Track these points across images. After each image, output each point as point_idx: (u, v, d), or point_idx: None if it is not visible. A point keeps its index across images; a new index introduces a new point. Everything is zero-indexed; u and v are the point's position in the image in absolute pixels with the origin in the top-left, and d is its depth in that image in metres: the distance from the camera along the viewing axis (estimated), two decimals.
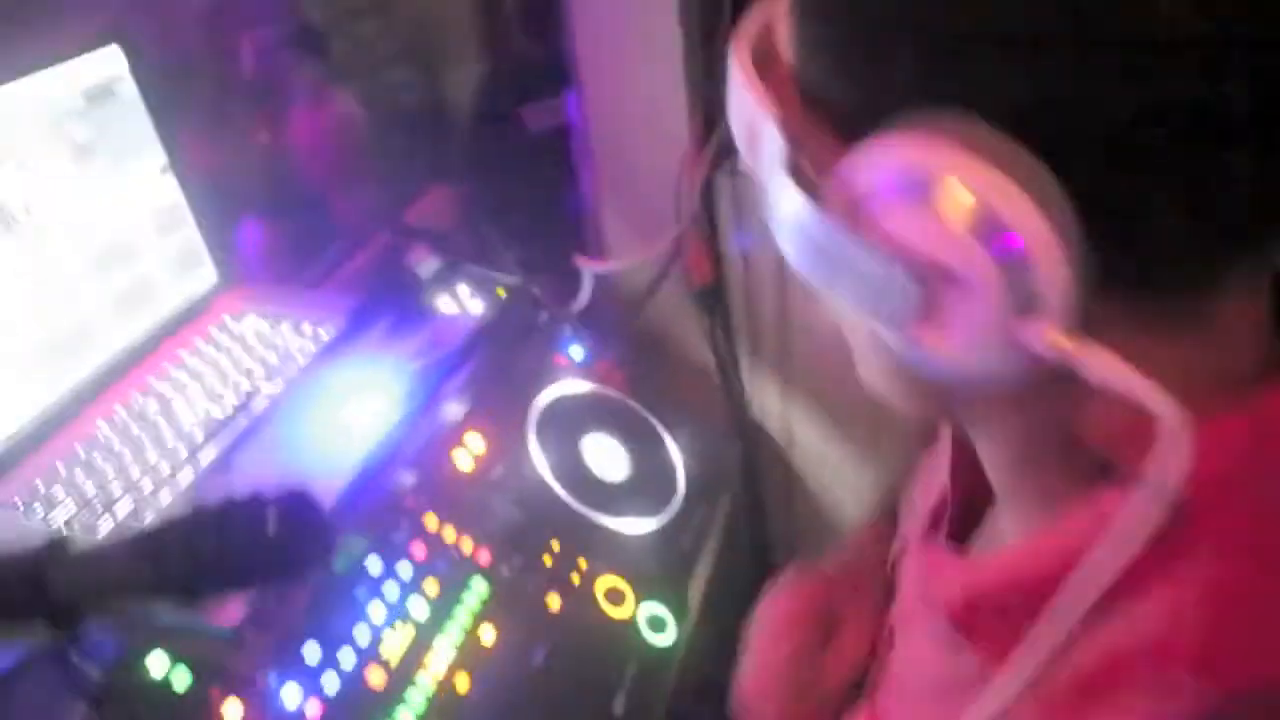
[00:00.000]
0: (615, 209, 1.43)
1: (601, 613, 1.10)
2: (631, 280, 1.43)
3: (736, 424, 1.43)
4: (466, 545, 1.04)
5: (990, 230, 0.37)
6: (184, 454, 0.95)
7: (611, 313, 1.47)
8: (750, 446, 1.45)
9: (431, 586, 0.98)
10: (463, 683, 0.95)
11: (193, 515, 0.50)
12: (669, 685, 1.10)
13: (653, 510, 1.22)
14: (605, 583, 1.12)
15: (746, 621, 0.97)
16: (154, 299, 1.11)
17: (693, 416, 1.34)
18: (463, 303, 1.27)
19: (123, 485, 0.91)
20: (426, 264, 1.27)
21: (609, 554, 1.14)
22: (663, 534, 1.21)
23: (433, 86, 1.94)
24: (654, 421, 1.30)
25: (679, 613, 1.15)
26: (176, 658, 0.80)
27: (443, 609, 0.97)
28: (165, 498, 0.90)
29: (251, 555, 0.50)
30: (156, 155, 1.12)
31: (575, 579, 1.10)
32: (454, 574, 1.00)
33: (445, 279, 1.28)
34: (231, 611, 0.81)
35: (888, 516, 0.98)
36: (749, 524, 1.46)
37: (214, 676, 0.81)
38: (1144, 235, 0.39)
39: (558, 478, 1.16)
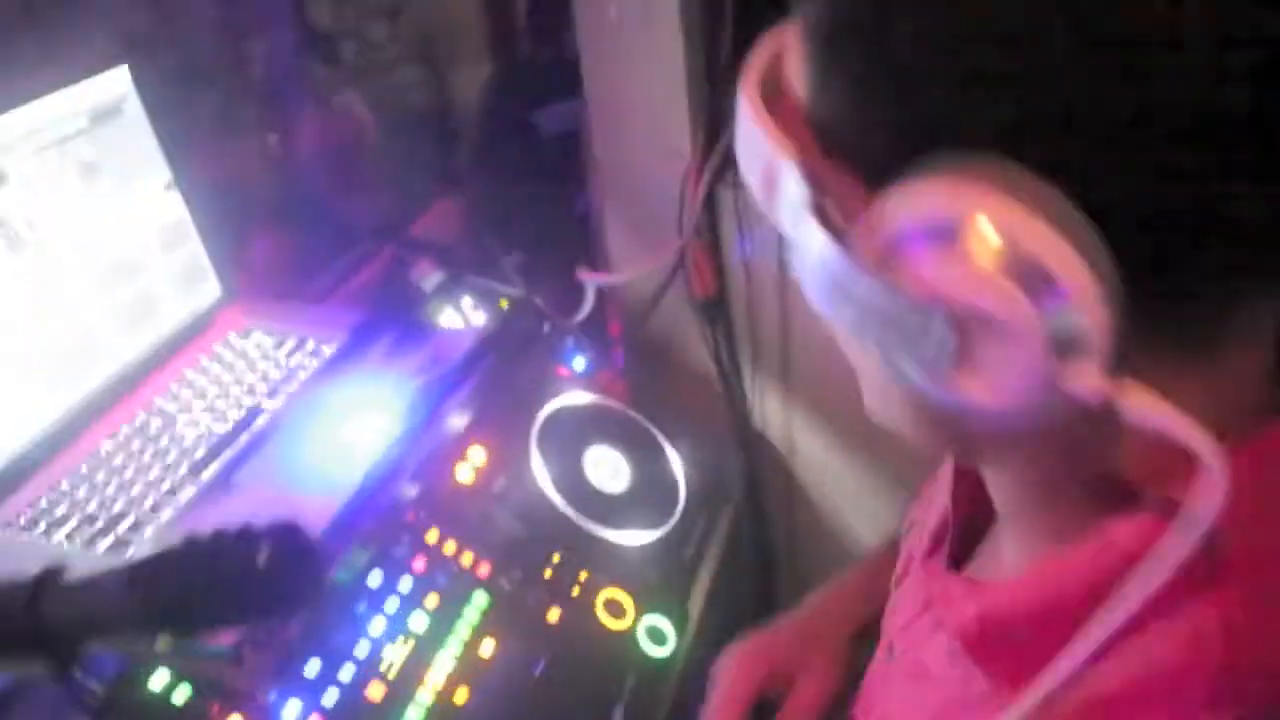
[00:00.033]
0: (619, 221, 1.44)
1: (601, 625, 1.10)
2: (635, 291, 1.44)
3: (739, 434, 1.44)
4: (467, 558, 1.04)
5: (1030, 275, 0.37)
6: (186, 470, 0.97)
7: (614, 324, 1.48)
8: (752, 456, 1.45)
9: (432, 600, 0.99)
10: (461, 695, 0.95)
11: (184, 548, 0.51)
12: (668, 697, 1.10)
13: (654, 522, 1.22)
14: (605, 595, 1.12)
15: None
16: (159, 315, 1.13)
17: (695, 427, 1.35)
18: (466, 315, 1.28)
19: (125, 502, 0.93)
20: (430, 278, 1.28)
21: (609, 566, 1.15)
22: (663, 545, 1.21)
23: (442, 90, 1.94)
24: (656, 433, 1.30)
25: (679, 624, 1.15)
26: (178, 674, 0.81)
27: (443, 622, 0.98)
28: (167, 515, 0.91)
29: (242, 590, 0.51)
30: (161, 172, 1.13)
31: (575, 591, 1.10)
32: (454, 587, 1.01)
33: (448, 292, 1.29)
34: None
35: (869, 563, 0.99)
36: (751, 534, 1.46)
37: (214, 692, 0.82)
38: (1167, 268, 0.39)
39: (559, 490, 1.16)
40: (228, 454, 0.99)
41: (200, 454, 0.99)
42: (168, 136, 1.13)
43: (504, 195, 1.70)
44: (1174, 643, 0.43)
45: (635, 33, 1.25)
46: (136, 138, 1.10)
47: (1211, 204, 0.37)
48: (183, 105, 1.36)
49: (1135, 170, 0.37)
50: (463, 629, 0.99)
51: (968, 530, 0.67)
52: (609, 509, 1.19)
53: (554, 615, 1.07)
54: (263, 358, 1.13)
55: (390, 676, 0.92)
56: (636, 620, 1.13)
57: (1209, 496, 0.38)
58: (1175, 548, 0.40)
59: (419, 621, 0.97)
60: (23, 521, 0.90)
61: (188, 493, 0.94)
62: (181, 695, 0.81)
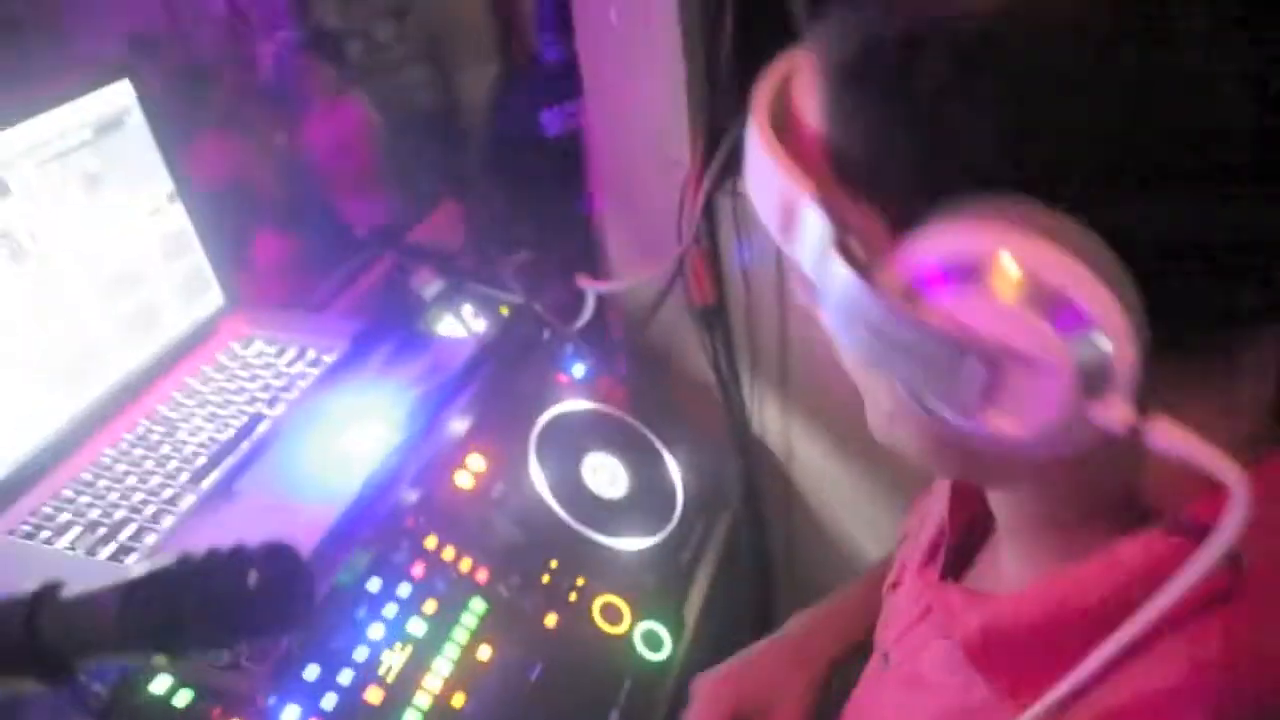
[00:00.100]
0: (618, 227, 1.45)
1: (597, 630, 1.11)
2: (634, 298, 1.45)
3: (737, 440, 1.44)
4: (465, 564, 1.06)
5: (1062, 311, 0.38)
6: (187, 478, 0.98)
7: (614, 330, 1.49)
8: (751, 463, 1.46)
9: (430, 605, 1.00)
10: (459, 700, 0.97)
11: (176, 567, 0.52)
12: (664, 702, 1.11)
13: (651, 528, 1.23)
14: (602, 600, 1.13)
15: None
16: (161, 324, 1.14)
17: (693, 433, 1.35)
18: (466, 322, 1.29)
19: (127, 510, 0.94)
20: (430, 286, 1.29)
21: (607, 572, 1.16)
22: (660, 551, 1.22)
23: (449, 90, 1.95)
24: (654, 439, 1.31)
25: (675, 630, 1.16)
26: (179, 678, 0.83)
27: (441, 628, 0.99)
28: (168, 522, 0.93)
29: (232, 611, 0.51)
30: (164, 183, 1.14)
31: (572, 597, 1.11)
32: (453, 593, 1.02)
33: (449, 299, 1.30)
34: None
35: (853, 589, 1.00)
36: (749, 540, 1.47)
37: (215, 696, 0.84)
38: (1187, 301, 0.40)
39: (557, 496, 1.17)
40: (229, 462, 1.00)
41: (201, 462, 1.00)
42: (170, 148, 1.14)
43: (510, 194, 1.71)
44: (1180, 659, 0.44)
45: (635, 40, 1.26)
46: (139, 149, 1.12)
47: (1235, 238, 0.39)
48: (189, 106, 1.38)
49: (1161, 206, 0.38)
50: (460, 634, 1.00)
51: (963, 542, 0.68)
52: (607, 515, 1.20)
53: (551, 620, 1.08)
54: (264, 366, 1.15)
55: (389, 681, 0.93)
56: (633, 626, 1.14)
57: (1232, 519, 0.39)
58: (1199, 566, 0.41)
59: (417, 627, 0.98)
60: (26, 529, 0.92)
61: (189, 500, 0.95)
62: (183, 699, 0.83)
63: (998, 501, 0.57)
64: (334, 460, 0.99)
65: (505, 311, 1.35)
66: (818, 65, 0.45)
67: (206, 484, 0.98)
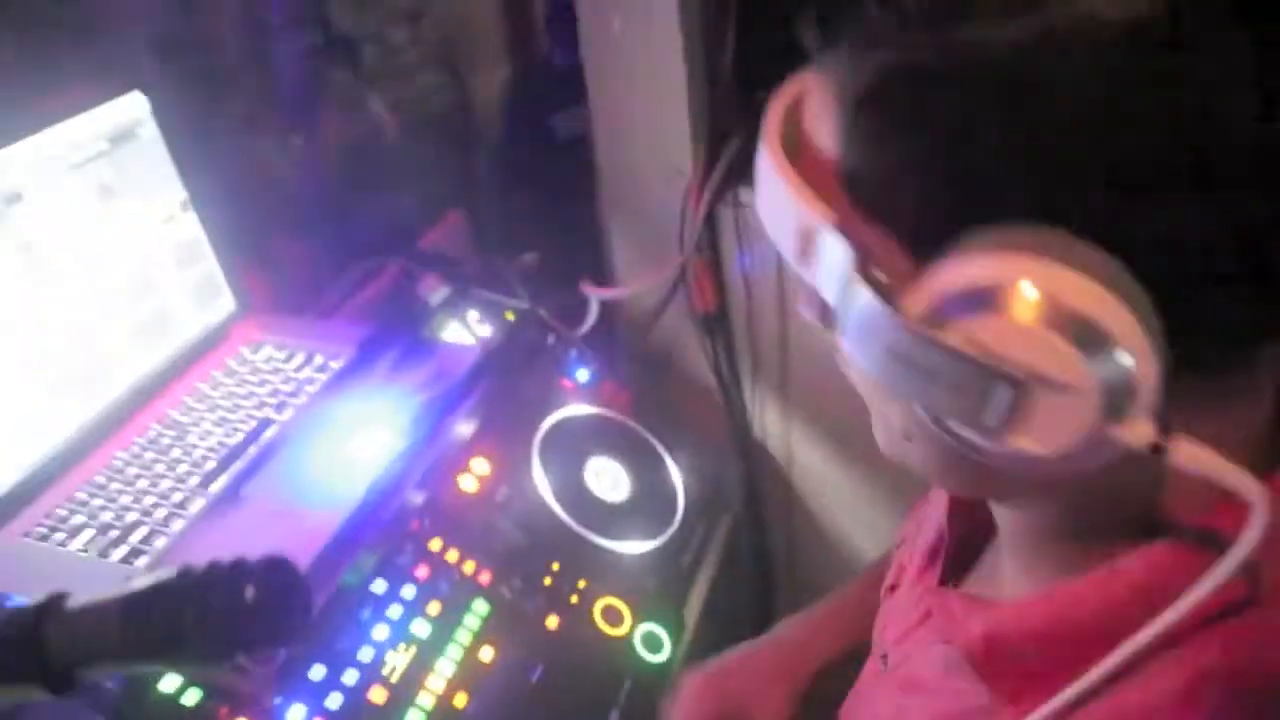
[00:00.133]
0: (622, 235, 1.47)
1: (598, 632, 1.13)
2: (638, 304, 1.46)
3: (738, 444, 1.46)
4: (469, 567, 1.07)
5: (1088, 335, 0.39)
6: (197, 482, 1.00)
7: (618, 336, 1.51)
8: (752, 467, 1.48)
9: (434, 607, 1.02)
10: (461, 700, 0.99)
11: (177, 581, 0.53)
12: (663, 702, 1.13)
13: (653, 531, 1.25)
14: (603, 603, 1.15)
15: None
16: (174, 329, 1.16)
17: (695, 438, 1.37)
18: (471, 328, 1.31)
19: (139, 513, 0.96)
20: (436, 292, 1.31)
21: (608, 574, 1.18)
22: (661, 554, 1.24)
23: (462, 93, 1.97)
24: (656, 444, 1.33)
25: (674, 632, 1.18)
26: (188, 677, 0.85)
27: (444, 629, 1.01)
28: (178, 526, 0.95)
29: (229, 625, 0.53)
30: (177, 192, 1.16)
31: (574, 599, 1.13)
32: (456, 595, 1.04)
33: (454, 306, 1.32)
34: None
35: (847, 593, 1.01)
36: (750, 543, 1.49)
37: (223, 694, 0.86)
38: (1204, 320, 0.41)
39: (559, 500, 1.19)
40: (237, 466, 1.02)
41: (211, 466, 1.02)
42: (183, 157, 1.16)
43: (519, 196, 1.72)
44: (1184, 667, 0.45)
45: (637, 50, 1.28)
46: (152, 159, 1.14)
47: (1255, 258, 0.40)
48: (208, 109, 1.40)
49: (1179, 228, 0.39)
50: (463, 635, 1.02)
51: (962, 546, 0.69)
52: (609, 518, 1.22)
53: (553, 622, 1.10)
54: (272, 371, 1.17)
55: (392, 681, 0.95)
56: (633, 627, 1.16)
57: (1252, 533, 0.41)
58: (1218, 576, 0.42)
59: (421, 628, 1.00)
60: (41, 531, 0.94)
61: (198, 504, 0.97)
62: (192, 698, 0.85)
63: (1002, 513, 0.58)
64: (339, 467, 1.01)
65: (511, 317, 1.37)
66: (833, 93, 0.46)
67: (215, 488, 0.99)
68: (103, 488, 0.99)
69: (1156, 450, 0.41)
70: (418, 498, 1.07)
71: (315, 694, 0.90)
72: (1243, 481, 0.41)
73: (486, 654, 1.03)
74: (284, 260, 1.46)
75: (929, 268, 0.42)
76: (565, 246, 1.54)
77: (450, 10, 1.91)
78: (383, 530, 1.02)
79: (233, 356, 1.19)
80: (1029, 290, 0.39)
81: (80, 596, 0.54)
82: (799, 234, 0.47)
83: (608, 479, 1.26)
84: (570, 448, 1.25)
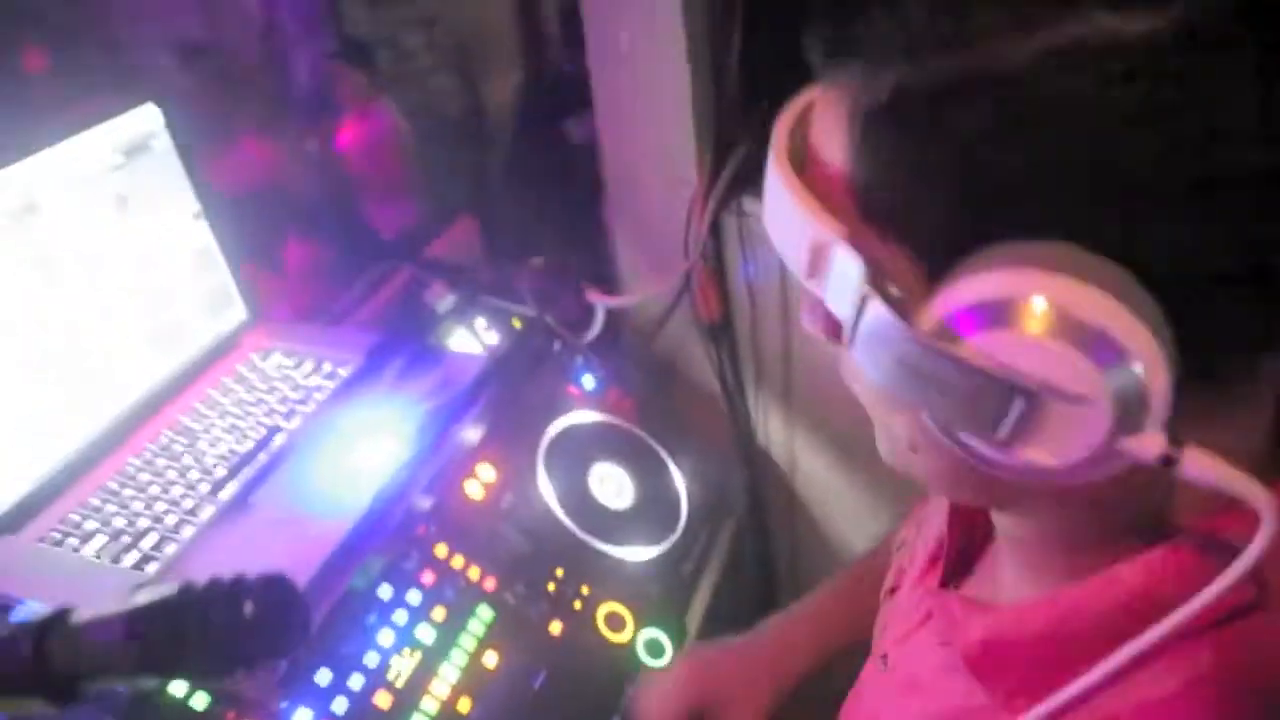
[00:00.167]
0: (628, 243, 1.48)
1: (601, 638, 1.15)
2: (643, 312, 1.48)
3: (742, 451, 1.48)
4: (474, 573, 1.09)
5: (1102, 349, 0.40)
6: (207, 489, 1.02)
7: (624, 343, 1.52)
8: (755, 473, 1.49)
9: (439, 613, 1.03)
10: (465, 705, 1.00)
11: (178, 597, 0.55)
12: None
13: (656, 538, 1.26)
14: (606, 609, 1.16)
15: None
16: (186, 338, 1.18)
17: (699, 444, 1.39)
18: (478, 335, 1.32)
19: (150, 519, 0.98)
20: (443, 300, 1.32)
21: (611, 581, 1.19)
22: (664, 561, 1.25)
23: (475, 97, 1.98)
24: (660, 451, 1.34)
25: (676, 638, 1.20)
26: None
27: (449, 634, 1.03)
28: (188, 532, 0.97)
29: (228, 641, 0.54)
30: (190, 203, 1.18)
31: (577, 605, 1.15)
32: (461, 601, 1.05)
33: (461, 313, 1.33)
34: None
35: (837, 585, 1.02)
36: (753, 549, 1.50)
37: (231, 699, 0.87)
38: (1211, 329, 0.42)
39: (564, 506, 1.21)
40: (246, 473, 1.04)
41: (221, 473, 1.04)
42: (196, 169, 1.18)
43: (531, 200, 1.73)
44: (1182, 670, 0.46)
45: (643, 62, 1.29)
46: (166, 171, 1.16)
47: (1263, 269, 0.41)
48: (226, 113, 1.42)
49: (1191, 241, 0.40)
50: (468, 641, 1.04)
51: (962, 549, 0.70)
52: (612, 525, 1.23)
53: (556, 628, 1.11)
54: (282, 379, 1.18)
55: (397, 685, 0.97)
56: (636, 633, 1.17)
57: (1259, 542, 0.42)
58: (1223, 582, 0.43)
59: (426, 633, 1.01)
60: (55, 535, 0.96)
61: (208, 511, 0.99)
62: (200, 702, 0.86)
63: (1004, 520, 0.59)
64: (345, 475, 1.03)
65: (518, 324, 1.38)
66: (845, 108, 0.46)
67: (225, 495, 1.01)
68: (116, 493, 1.01)
69: (1167, 461, 0.41)
70: (424, 503, 1.08)
71: (321, 698, 0.92)
72: (1250, 490, 0.42)
73: (490, 659, 1.04)
74: (295, 266, 1.47)
75: (941, 281, 0.43)
76: (575, 251, 1.55)
77: (464, 15, 1.92)
78: (389, 536, 1.03)
79: (243, 364, 1.21)
80: (1042, 304, 0.40)
81: (84, 611, 0.56)
82: (807, 247, 0.47)
83: (612, 485, 1.28)
84: (575, 454, 1.27)
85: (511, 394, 1.23)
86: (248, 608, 0.53)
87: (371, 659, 0.97)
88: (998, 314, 0.41)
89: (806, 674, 0.98)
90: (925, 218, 0.44)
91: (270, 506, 1.00)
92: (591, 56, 1.36)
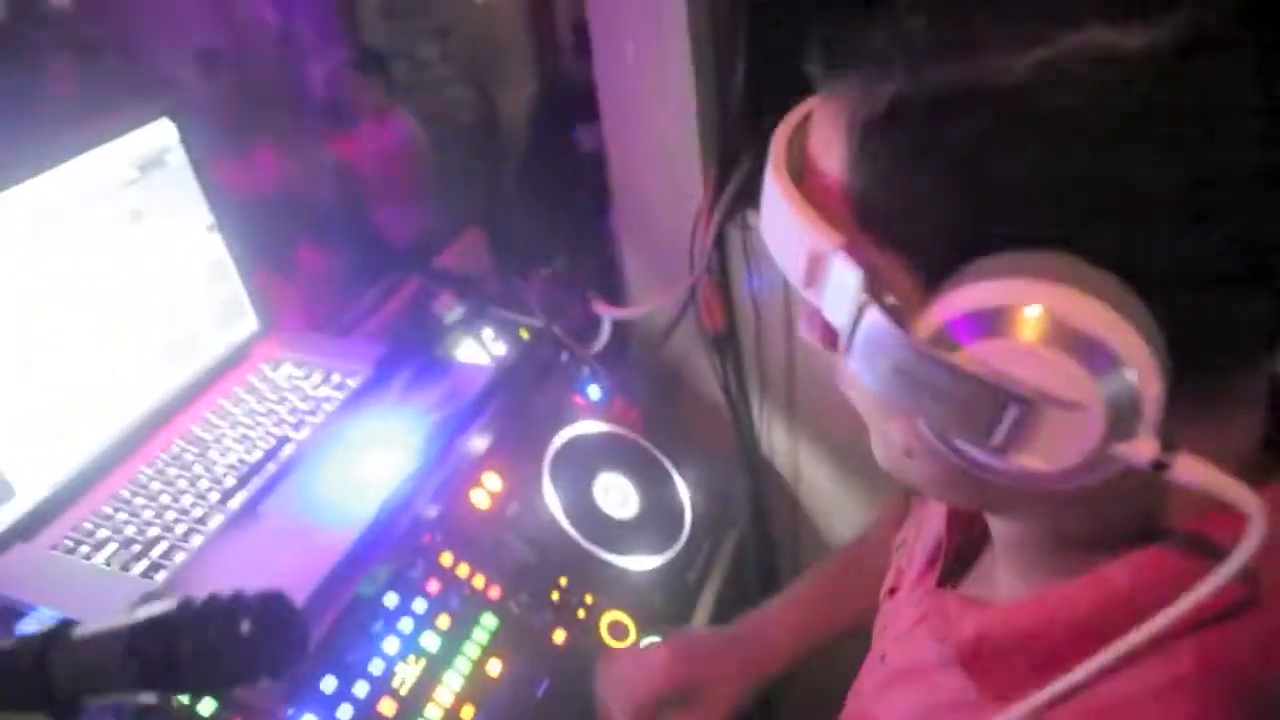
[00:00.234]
0: (635, 255, 1.49)
1: (604, 646, 1.15)
2: (649, 323, 1.49)
3: (746, 461, 1.48)
4: (479, 581, 1.10)
5: (1097, 357, 0.40)
6: (217, 499, 1.04)
7: (630, 354, 1.53)
8: (759, 483, 1.50)
9: (444, 621, 1.04)
10: (469, 713, 1.01)
11: (177, 613, 0.56)
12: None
13: (659, 547, 1.27)
14: (610, 617, 1.17)
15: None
16: (199, 348, 1.20)
17: (703, 454, 1.39)
18: (486, 346, 1.33)
19: (160, 528, 1.00)
20: (451, 311, 1.34)
21: (615, 590, 1.20)
22: (668, 570, 1.26)
23: (488, 106, 2.00)
24: (665, 461, 1.35)
25: None
26: None
27: (453, 642, 1.04)
28: (197, 541, 0.98)
29: (226, 657, 0.56)
30: (203, 216, 1.20)
31: (581, 614, 1.16)
32: (465, 609, 1.07)
33: (469, 324, 1.35)
34: None
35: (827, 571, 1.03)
36: (757, 559, 1.51)
37: (236, 705, 0.89)
38: (1202, 336, 0.43)
39: (569, 516, 1.22)
40: (255, 483, 1.06)
41: (230, 483, 1.06)
42: (209, 182, 1.20)
43: (542, 207, 1.75)
44: (1164, 667, 0.47)
45: (650, 75, 1.30)
46: (180, 185, 1.18)
47: (1257, 277, 0.42)
48: (245, 121, 1.44)
49: (1187, 249, 0.41)
50: (472, 649, 1.05)
51: (959, 549, 0.71)
52: (616, 534, 1.24)
53: (559, 637, 1.12)
54: (291, 389, 1.20)
55: (402, 693, 0.98)
56: (639, 642, 1.17)
57: (1248, 544, 0.43)
58: (1213, 583, 0.44)
59: (430, 641, 1.02)
60: (67, 544, 0.98)
61: (217, 520, 1.01)
62: (207, 708, 0.88)
63: (998, 522, 0.60)
64: (352, 486, 1.04)
65: (525, 335, 1.40)
66: (843, 119, 0.46)
67: (234, 504, 1.03)
68: (127, 502, 1.03)
69: (1159, 467, 0.42)
70: (430, 512, 1.09)
71: (326, 705, 0.93)
72: (1240, 494, 0.43)
73: (494, 667, 1.05)
74: (307, 275, 1.49)
75: (938, 290, 0.44)
76: (582, 262, 1.56)
77: (478, 27, 1.95)
78: (395, 544, 1.04)
79: (254, 374, 1.23)
80: (1037, 312, 0.41)
81: (86, 625, 0.57)
82: (805, 256, 0.48)
83: (616, 495, 1.29)
84: (581, 464, 1.28)
85: (518, 404, 1.25)
86: (245, 626, 0.54)
87: (376, 666, 0.98)
88: (993, 322, 0.42)
89: (789, 664, 0.98)
90: (922, 227, 0.45)
91: (278, 516, 1.02)
92: (598, 68, 1.37)
